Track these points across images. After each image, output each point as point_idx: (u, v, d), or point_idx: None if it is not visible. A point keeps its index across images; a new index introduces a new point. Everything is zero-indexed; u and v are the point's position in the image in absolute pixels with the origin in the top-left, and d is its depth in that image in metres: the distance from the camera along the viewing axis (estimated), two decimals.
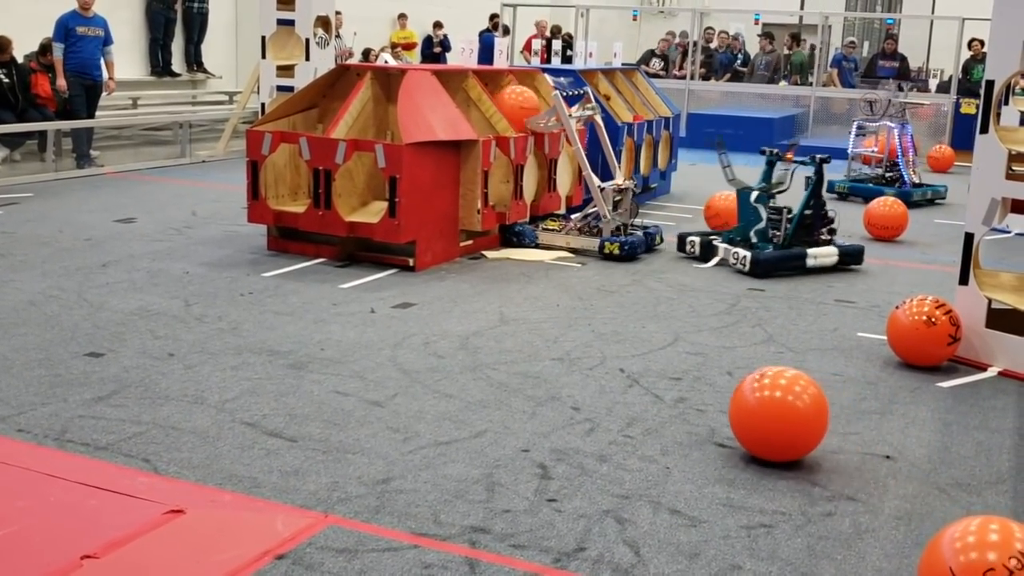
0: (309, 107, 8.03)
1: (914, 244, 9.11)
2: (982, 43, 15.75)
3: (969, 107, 15.54)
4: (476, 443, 4.29)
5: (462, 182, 7.66)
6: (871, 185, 11.49)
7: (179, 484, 3.81)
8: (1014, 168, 5.55)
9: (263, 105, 11.30)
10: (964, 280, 5.70)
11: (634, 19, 21.44)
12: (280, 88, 11.15)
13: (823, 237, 8.01)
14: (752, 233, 7.86)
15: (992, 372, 5.53)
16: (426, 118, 7.33)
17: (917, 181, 11.64)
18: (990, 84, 5.51)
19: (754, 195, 7.90)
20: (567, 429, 4.49)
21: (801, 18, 22.16)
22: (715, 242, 8.05)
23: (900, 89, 12.30)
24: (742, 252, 7.65)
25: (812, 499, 3.90)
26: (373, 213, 7.28)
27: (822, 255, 7.82)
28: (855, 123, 12.16)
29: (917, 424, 4.75)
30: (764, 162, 8.17)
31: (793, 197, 8.08)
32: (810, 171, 8.00)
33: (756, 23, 19.48)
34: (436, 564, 3.30)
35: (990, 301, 5.61)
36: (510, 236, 8.17)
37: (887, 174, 11.69)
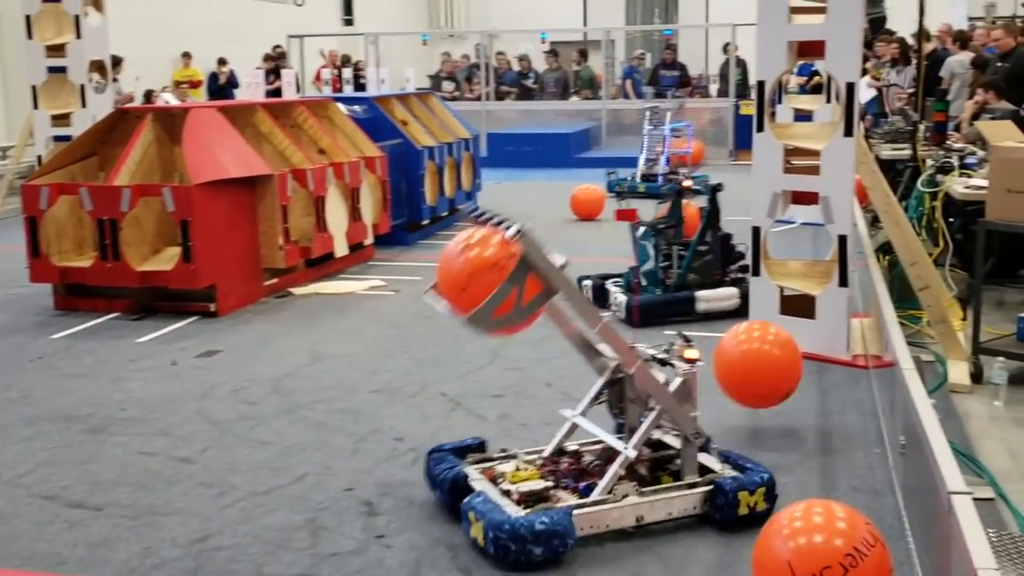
0: (88, 155, 7.62)
1: None
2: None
3: (748, 108, 16.40)
4: (296, 488, 4.13)
5: (261, 219, 7.44)
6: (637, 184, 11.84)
7: None
8: (791, 162, 5.87)
9: (39, 158, 10.66)
10: (756, 271, 5.97)
11: (424, 44, 21.57)
12: (57, 138, 10.55)
13: (732, 276, 6.87)
14: (641, 274, 6.79)
15: None
16: (215, 156, 7.09)
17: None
18: (761, 84, 5.81)
19: (640, 230, 6.83)
20: (391, 462, 4.40)
21: (585, 34, 22.89)
22: (607, 285, 6.96)
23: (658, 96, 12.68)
24: (621, 298, 6.63)
25: None
26: (166, 260, 6.97)
27: (715, 298, 6.62)
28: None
29: (729, 411, 4.91)
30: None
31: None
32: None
33: (543, 42, 19.96)
34: None
35: (782, 289, 5.90)
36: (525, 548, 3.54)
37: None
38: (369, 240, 8.89)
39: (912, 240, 5.78)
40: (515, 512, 3.46)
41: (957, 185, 6.56)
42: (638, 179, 11.74)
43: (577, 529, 3.48)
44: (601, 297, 6.88)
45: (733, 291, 6.67)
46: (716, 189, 6.89)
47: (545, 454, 3.94)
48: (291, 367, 5.81)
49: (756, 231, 5.93)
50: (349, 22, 22.80)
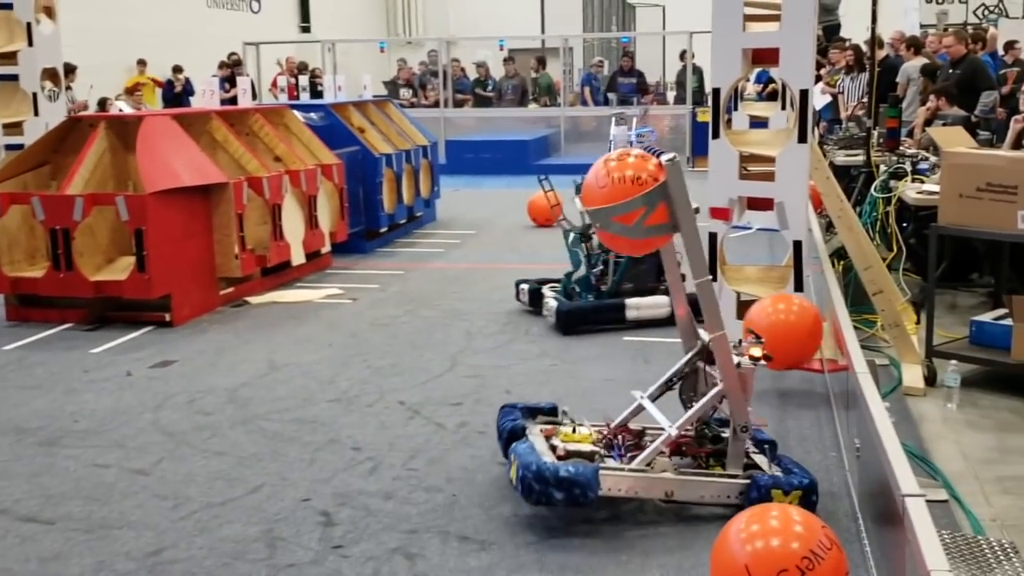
0: (40, 164, 7.49)
1: None
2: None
3: (705, 115, 16.50)
4: (253, 499, 4.08)
5: (216, 227, 7.37)
6: None
7: None
8: (747, 168, 5.91)
9: None
10: (713, 277, 6.00)
11: (381, 51, 21.51)
12: (8, 147, 10.37)
13: (666, 285, 6.51)
14: (573, 281, 6.92)
15: None
16: (169, 164, 7.01)
17: None
18: (717, 92, 5.85)
19: (571, 236, 6.92)
20: (348, 471, 4.36)
21: (543, 42, 22.96)
22: (543, 290, 7.00)
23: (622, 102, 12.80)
24: (552, 303, 6.66)
25: (597, 504, 3.94)
26: (120, 270, 6.88)
27: (646, 306, 6.59)
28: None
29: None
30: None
31: None
32: None
33: (501, 49, 20.00)
34: None
35: (739, 294, 5.94)
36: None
37: None
38: (326, 248, 8.84)
39: (866, 245, 5.85)
40: (548, 459, 3.73)
41: (910, 190, 6.66)
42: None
43: (604, 488, 3.67)
44: (536, 301, 6.97)
45: (664, 299, 6.56)
46: None
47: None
48: (247, 377, 5.75)
49: (713, 237, 5.97)
50: (306, 29, 22.71)
